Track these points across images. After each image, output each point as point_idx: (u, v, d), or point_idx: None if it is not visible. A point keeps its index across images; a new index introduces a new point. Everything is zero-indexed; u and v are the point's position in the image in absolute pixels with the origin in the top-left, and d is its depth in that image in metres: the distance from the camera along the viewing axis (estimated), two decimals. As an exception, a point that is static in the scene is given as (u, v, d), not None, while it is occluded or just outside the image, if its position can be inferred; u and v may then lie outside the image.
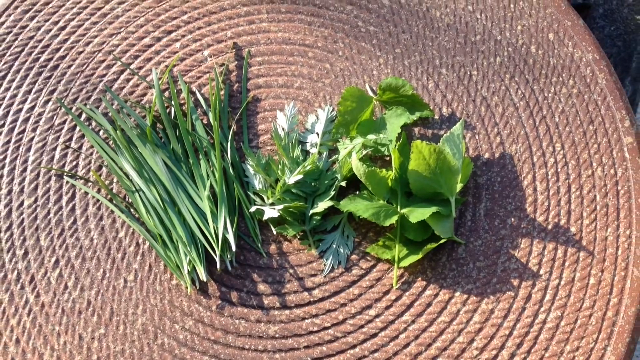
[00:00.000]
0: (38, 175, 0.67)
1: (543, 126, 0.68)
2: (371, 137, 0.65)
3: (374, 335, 0.61)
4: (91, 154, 0.67)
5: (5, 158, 0.67)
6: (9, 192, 0.66)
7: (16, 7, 0.74)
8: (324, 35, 0.72)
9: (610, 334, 0.60)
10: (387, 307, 0.62)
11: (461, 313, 0.61)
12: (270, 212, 0.62)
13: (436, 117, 0.68)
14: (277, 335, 0.61)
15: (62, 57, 0.71)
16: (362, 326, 0.61)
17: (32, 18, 0.73)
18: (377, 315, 0.62)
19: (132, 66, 0.71)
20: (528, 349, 0.60)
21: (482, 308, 0.62)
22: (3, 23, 0.73)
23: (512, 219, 0.64)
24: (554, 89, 0.69)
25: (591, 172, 0.66)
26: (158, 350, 0.61)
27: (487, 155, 0.67)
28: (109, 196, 0.65)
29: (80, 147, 0.68)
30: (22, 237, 0.64)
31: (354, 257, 0.64)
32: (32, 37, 0.72)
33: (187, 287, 0.62)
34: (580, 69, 0.70)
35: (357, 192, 0.64)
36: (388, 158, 0.66)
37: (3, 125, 0.69)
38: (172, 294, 0.62)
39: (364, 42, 0.71)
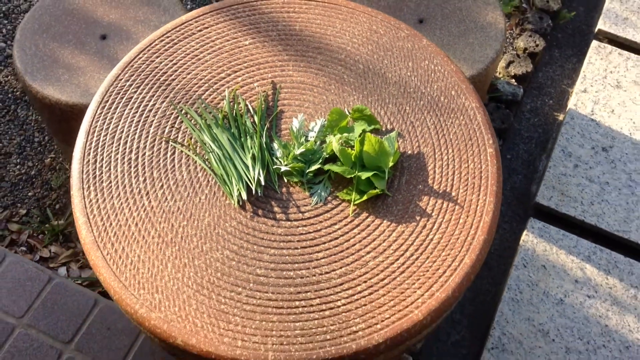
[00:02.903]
0: (155, 140, 1.15)
1: (443, 139, 1.16)
2: (345, 134, 1.13)
3: (336, 238, 1.06)
4: (186, 132, 1.16)
5: (141, 133, 1.16)
6: (141, 147, 1.14)
7: (147, 50, 1.25)
8: (324, 80, 1.22)
9: (469, 247, 1.05)
10: (345, 225, 1.08)
11: (385, 230, 1.07)
12: (284, 168, 1.10)
13: (382, 128, 1.17)
14: (282, 234, 1.07)
15: (173, 79, 1.22)
16: (330, 233, 1.07)
17: (157, 56, 1.24)
18: (339, 228, 1.07)
19: (214, 87, 1.21)
20: (422, 250, 1.05)
21: (397, 229, 1.07)
22: (141, 57, 1.24)
23: (420, 186, 1.11)
24: (452, 120, 1.18)
25: (467, 165, 1.13)
26: (215, 236, 1.06)
27: (409, 152, 1.15)
28: (195, 154, 1.13)
29: (179, 128, 1.16)
30: (147, 172, 1.11)
31: (329, 198, 1.10)
32: (156, 67, 1.23)
33: (234, 204, 1.08)
34: (467, 111, 1.19)
35: (334, 162, 1.12)
36: (353, 145, 1.14)
37: (140, 114, 1.18)
38: (225, 207, 1.09)
39: (346, 86, 1.22)
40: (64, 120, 1.56)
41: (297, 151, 1.11)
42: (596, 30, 2.15)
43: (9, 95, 2.01)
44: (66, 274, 1.66)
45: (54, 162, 1.87)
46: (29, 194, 1.82)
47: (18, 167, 1.87)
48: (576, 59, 2.15)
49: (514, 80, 2.03)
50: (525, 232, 1.72)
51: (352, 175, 1.09)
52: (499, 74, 2.06)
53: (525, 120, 2.03)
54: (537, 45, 2.09)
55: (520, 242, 1.72)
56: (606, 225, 1.74)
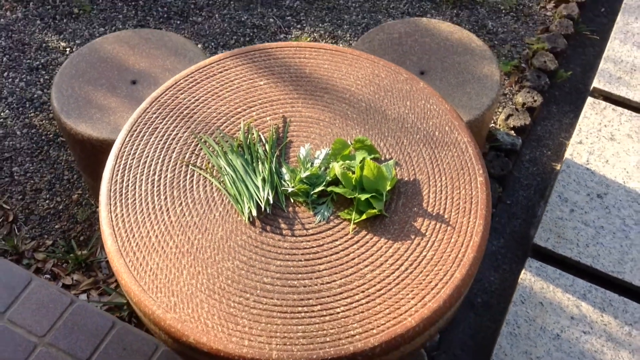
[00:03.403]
0: (176, 164, 1.27)
1: (437, 168, 1.27)
2: (347, 161, 1.25)
3: (337, 252, 1.16)
4: (205, 157, 1.28)
5: (164, 157, 1.29)
6: (164, 170, 1.26)
7: (173, 88, 1.40)
8: (329, 116, 1.35)
9: (459, 263, 1.14)
10: (345, 241, 1.17)
11: (382, 247, 1.16)
12: (291, 189, 1.21)
13: (382, 157, 1.29)
14: (287, 247, 1.16)
15: (195, 113, 1.35)
16: (331, 248, 1.16)
17: (181, 93, 1.39)
18: (340, 244, 1.17)
19: (231, 119, 1.34)
20: (416, 265, 1.14)
21: (393, 246, 1.16)
22: (167, 93, 1.38)
23: (415, 208, 1.21)
24: (445, 152, 1.29)
25: (459, 191, 1.24)
26: (227, 248, 1.16)
27: (406, 178, 1.26)
28: (212, 176, 1.25)
29: (198, 154, 1.29)
30: (168, 191, 1.23)
31: (331, 217, 1.21)
32: (180, 102, 1.37)
33: (245, 220, 1.19)
34: (460, 144, 1.31)
35: (336, 185, 1.23)
36: (354, 171, 1.25)
37: (164, 141, 1.31)
38: (237, 223, 1.19)
39: (349, 121, 1.34)
40: (94, 154, 1.70)
41: (303, 175, 1.23)
42: (591, 88, 2.28)
43: (43, 137, 2.17)
44: (86, 300, 1.75)
45: (80, 198, 2.00)
46: (56, 226, 1.94)
47: (47, 202, 2.00)
48: (573, 114, 2.28)
49: (513, 131, 2.15)
50: (523, 271, 1.80)
51: (353, 197, 1.20)
52: (499, 126, 2.19)
53: (524, 169, 2.14)
54: (535, 101, 2.22)
55: (518, 280, 1.79)
56: (601, 266, 1.81)
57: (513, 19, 2.54)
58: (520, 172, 2.12)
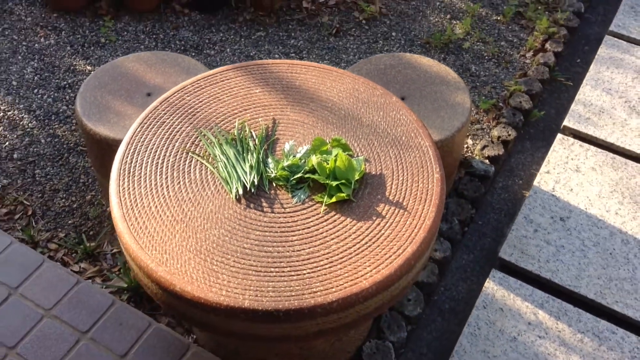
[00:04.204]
0: (178, 152, 1.48)
1: (401, 165, 1.47)
2: (324, 155, 1.45)
3: (308, 227, 1.34)
4: (203, 147, 1.49)
5: (168, 146, 1.50)
6: (167, 155, 1.47)
7: (180, 91, 1.62)
8: (313, 120, 1.56)
9: (412, 241, 1.32)
10: (316, 219, 1.36)
11: (347, 225, 1.35)
12: (273, 175, 1.41)
13: (354, 155, 1.49)
14: (266, 221, 1.35)
15: (198, 112, 1.57)
16: (304, 224, 1.35)
17: (188, 95, 1.61)
18: (311, 221, 1.35)
19: (228, 118, 1.56)
20: (374, 240, 1.32)
21: (357, 225, 1.35)
22: (176, 95, 1.61)
23: (379, 196, 1.41)
24: (409, 153, 1.49)
25: (417, 185, 1.43)
26: (215, 219, 1.35)
27: (373, 172, 1.45)
28: (207, 162, 1.46)
29: (197, 144, 1.50)
30: (169, 172, 1.44)
31: (307, 200, 1.40)
32: (185, 102, 1.59)
33: (233, 197, 1.39)
34: (422, 147, 1.51)
35: (313, 174, 1.43)
36: (329, 162, 1.45)
37: (169, 133, 1.52)
38: (225, 200, 1.39)
39: (329, 125, 1.55)
40: (108, 154, 1.91)
41: (285, 163, 1.43)
42: (562, 126, 2.49)
43: (64, 145, 2.39)
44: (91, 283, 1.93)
45: (93, 198, 2.21)
46: (69, 221, 2.14)
47: (63, 200, 2.20)
48: (544, 149, 2.48)
49: (487, 160, 2.35)
50: (487, 281, 1.96)
51: (326, 183, 1.40)
52: (475, 155, 2.39)
53: (497, 195, 2.32)
54: (509, 135, 2.43)
55: (482, 288, 1.95)
56: (559, 280, 1.97)
57: (494, 64, 2.78)
58: (493, 197, 2.30)
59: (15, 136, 2.43)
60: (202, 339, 1.75)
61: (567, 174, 2.29)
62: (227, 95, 1.62)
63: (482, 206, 2.27)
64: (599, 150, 2.38)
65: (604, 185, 2.25)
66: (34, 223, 2.13)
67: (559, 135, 2.43)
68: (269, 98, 1.62)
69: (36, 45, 2.83)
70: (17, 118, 2.50)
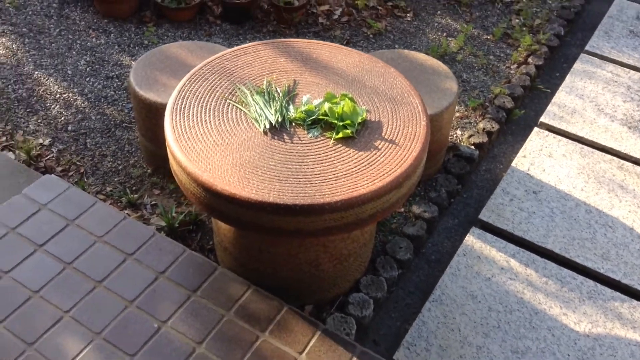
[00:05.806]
0: (218, 99, 1.84)
1: (395, 116, 1.82)
2: (334, 104, 1.81)
3: (319, 154, 1.69)
4: (238, 96, 1.85)
5: (211, 94, 1.86)
6: (209, 101, 1.83)
7: (220, 57, 1.99)
8: (326, 82, 1.92)
9: (401, 165, 1.66)
10: (326, 149, 1.70)
11: (351, 153, 1.69)
12: (293, 116, 1.76)
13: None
14: (287, 148, 1.70)
15: (234, 73, 1.94)
16: (317, 151, 1.69)
17: (226, 61, 1.98)
18: (322, 150, 1.70)
19: (258, 78, 1.92)
20: (372, 163, 1.66)
21: (358, 153, 1.69)
22: (217, 60, 1.98)
23: (376, 135, 1.75)
24: (402, 107, 1.84)
25: (408, 129, 1.77)
26: (247, 145, 1.69)
27: (373, 119, 1.80)
28: (242, 106, 1.81)
29: (234, 94, 1.86)
30: (210, 112, 1.79)
31: (319, 136, 1.74)
32: (224, 65, 1.96)
33: (261, 130, 1.74)
34: (412, 104, 1.86)
35: (325, 116, 1.78)
36: (337, 109, 1.80)
37: (211, 86, 1.89)
38: (255, 132, 1.73)
39: (339, 86, 1.91)
40: (155, 118, 2.27)
41: (303, 108, 1.78)
42: (539, 122, 2.84)
43: (112, 122, 2.76)
44: (133, 225, 2.25)
45: (136, 162, 2.56)
46: (115, 179, 2.49)
47: (110, 163, 2.56)
48: (523, 141, 2.82)
49: (473, 146, 2.70)
50: (467, 235, 2.27)
51: (335, 123, 1.75)
52: (463, 142, 2.73)
53: (480, 176, 2.65)
54: (493, 127, 2.78)
55: (463, 241, 2.26)
56: (530, 237, 2.28)
57: (483, 73, 3.16)
58: (477, 177, 2.63)
59: (69, 113, 2.80)
60: (225, 262, 2.07)
61: (540, 158, 2.62)
62: (257, 62, 2.00)
63: (467, 183, 2.60)
64: (570, 141, 2.72)
65: (572, 168, 2.59)
66: (85, 179, 2.48)
67: (536, 129, 2.78)
68: (291, 65, 1.99)
69: (88, 43, 3.24)
70: (71, 99, 2.88)
